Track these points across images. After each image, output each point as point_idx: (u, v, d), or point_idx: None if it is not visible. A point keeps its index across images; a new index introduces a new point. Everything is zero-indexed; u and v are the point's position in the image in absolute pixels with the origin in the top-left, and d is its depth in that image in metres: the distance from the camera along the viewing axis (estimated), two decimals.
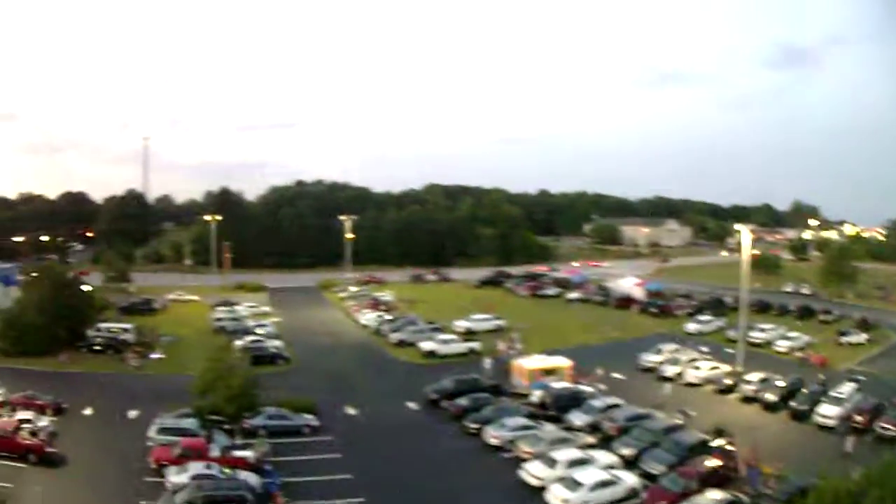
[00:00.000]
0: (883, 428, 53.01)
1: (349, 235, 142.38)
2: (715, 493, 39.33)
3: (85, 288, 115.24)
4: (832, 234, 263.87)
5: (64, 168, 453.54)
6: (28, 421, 52.70)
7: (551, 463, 43.45)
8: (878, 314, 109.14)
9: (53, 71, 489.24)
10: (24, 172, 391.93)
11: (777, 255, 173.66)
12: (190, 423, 52.27)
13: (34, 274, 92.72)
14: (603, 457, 45.75)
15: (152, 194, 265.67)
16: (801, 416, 57.58)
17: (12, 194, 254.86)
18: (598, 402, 55.63)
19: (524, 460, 45.83)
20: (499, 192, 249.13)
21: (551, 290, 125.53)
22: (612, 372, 69.02)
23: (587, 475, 41.08)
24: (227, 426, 53.24)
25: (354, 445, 50.89)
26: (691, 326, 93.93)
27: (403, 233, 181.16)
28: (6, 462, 46.94)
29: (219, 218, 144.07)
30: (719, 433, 49.50)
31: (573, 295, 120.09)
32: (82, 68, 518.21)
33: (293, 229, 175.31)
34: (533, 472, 43.46)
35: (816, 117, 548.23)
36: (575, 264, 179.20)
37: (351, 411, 58.95)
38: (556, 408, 55.54)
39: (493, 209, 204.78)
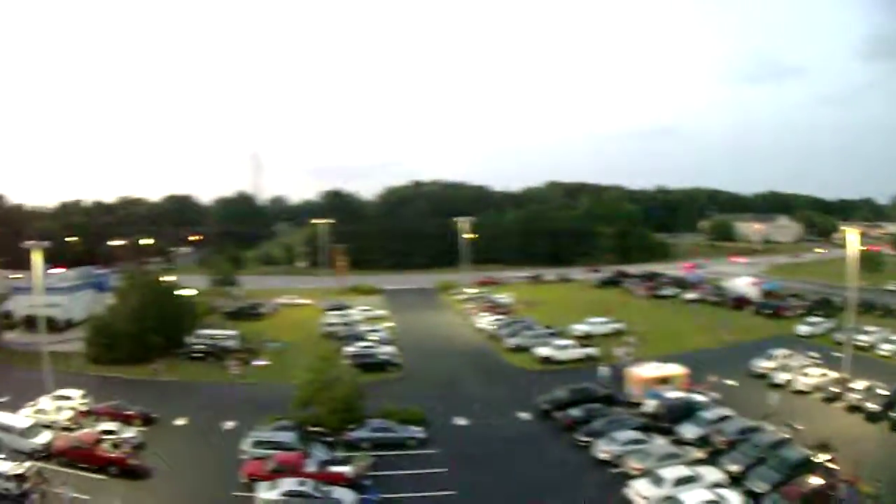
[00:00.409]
0: None
1: (467, 236, 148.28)
2: None
3: (187, 293, 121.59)
4: None
5: (168, 170, 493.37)
6: (111, 432, 54.89)
7: (658, 481, 44.93)
8: None
9: (162, 70, 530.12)
10: (123, 175, 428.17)
11: (879, 250, 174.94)
12: (287, 436, 52.88)
13: (128, 280, 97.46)
14: (710, 474, 47.11)
15: (265, 196, 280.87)
16: None
17: (111, 198, 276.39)
18: (709, 414, 57.61)
19: (632, 477, 47.21)
20: (617, 190, 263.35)
21: (669, 291, 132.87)
22: (725, 378, 70.88)
23: (692, 496, 42.39)
24: (328, 439, 54.04)
25: (461, 459, 52.12)
26: (802, 329, 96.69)
27: (523, 232, 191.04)
28: (86, 474, 48.94)
29: (331, 220, 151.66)
30: (823, 448, 50.29)
31: (690, 295, 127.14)
32: (199, 67, 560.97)
33: (410, 230, 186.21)
34: (640, 490, 44.86)
35: None
36: (692, 262, 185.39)
37: (460, 422, 60.58)
38: (668, 419, 57.44)
39: (612, 207, 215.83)
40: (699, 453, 51.49)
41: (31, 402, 62.00)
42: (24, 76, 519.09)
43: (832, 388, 66.54)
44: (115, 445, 51.86)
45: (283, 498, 41.43)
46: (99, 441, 51.92)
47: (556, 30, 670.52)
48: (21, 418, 56.80)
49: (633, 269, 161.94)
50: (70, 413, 60.46)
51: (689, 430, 55.29)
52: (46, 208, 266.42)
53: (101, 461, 49.69)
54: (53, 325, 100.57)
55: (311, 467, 46.67)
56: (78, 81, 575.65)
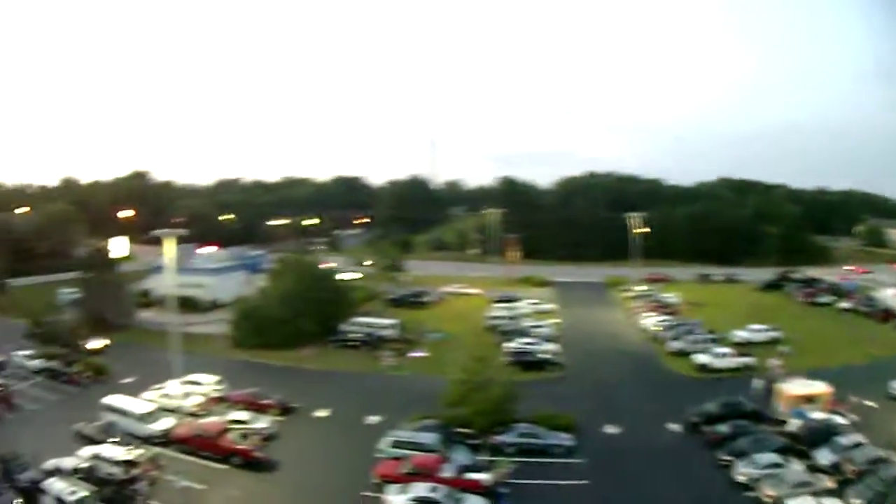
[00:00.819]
0: None
1: (638, 230, 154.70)
2: None
3: (350, 277, 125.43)
4: None
5: (337, 151, 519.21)
6: (241, 421, 57.37)
7: None
8: None
9: (339, 51, 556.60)
10: (288, 155, 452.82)
11: None
12: (429, 437, 53.35)
13: (283, 263, 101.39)
14: None
15: (441, 180, 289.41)
16: None
17: (275, 177, 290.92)
18: (845, 439, 57.38)
19: None
20: (781, 189, 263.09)
21: (825, 298, 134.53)
22: (865, 399, 69.38)
23: None
24: (472, 441, 54.58)
25: (605, 471, 53.02)
26: None
27: (693, 230, 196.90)
28: (208, 464, 51.50)
29: (504, 207, 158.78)
30: None
31: (844, 304, 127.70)
32: (379, 48, 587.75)
33: (584, 221, 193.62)
34: None
35: None
36: (862, 267, 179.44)
37: (611, 430, 61.59)
38: (808, 442, 57.91)
39: (778, 207, 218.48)
40: (830, 483, 51.51)
41: (159, 386, 66.06)
42: (189, 51, 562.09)
43: None
44: (243, 436, 53.94)
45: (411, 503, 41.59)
46: (224, 431, 54.20)
47: (725, 24, 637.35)
48: (140, 402, 60.62)
49: (796, 272, 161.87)
50: (199, 399, 63.90)
51: (824, 456, 55.46)
52: (199, 186, 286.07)
53: (224, 451, 51.86)
54: (196, 306, 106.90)
55: (447, 472, 47.04)
56: (250, 60, 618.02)
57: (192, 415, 61.07)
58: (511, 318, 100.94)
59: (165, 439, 55.31)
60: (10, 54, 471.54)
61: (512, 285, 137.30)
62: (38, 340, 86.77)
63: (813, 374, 71.69)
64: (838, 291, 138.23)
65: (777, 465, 52.18)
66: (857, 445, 56.19)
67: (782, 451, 55.23)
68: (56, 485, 45.02)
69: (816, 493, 48.74)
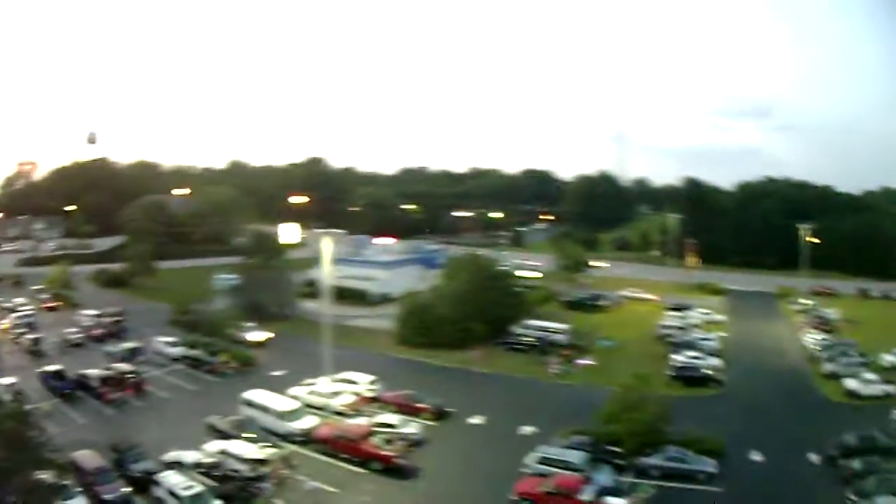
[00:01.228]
0: None
1: (809, 239, 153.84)
2: None
3: (529, 275, 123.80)
4: None
5: (525, 142, 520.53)
6: (389, 425, 56.30)
7: None
8: None
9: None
10: (477, 146, 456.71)
11: None
12: (576, 455, 51.16)
13: (457, 261, 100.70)
14: None
15: (629, 176, 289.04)
16: None
17: (462, 168, 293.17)
18: None
19: None
20: None
21: None
22: None
23: None
24: (619, 461, 52.73)
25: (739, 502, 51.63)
26: None
27: (857, 242, 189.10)
28: (347, 466, 51.15)
29: (684, 209, 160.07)
30: None
31: None
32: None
33: (760, 228, 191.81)
34: None
35: None
36: None
37: (755, 457, 59.37)
38: None
39: None
40: None
41: (309, 381, 66.34)
42: (377, 40, 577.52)
43: None
44: (388, 440, 53.01)
45: None
46: (368, 434, 53.48)
47: None
48: (283, 399, 60.77)
49: None
50: (350, 398, 63.51)
51: None
52: (382, 175, 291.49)
53: (364, 455, 51.14)
54: (366, 299, 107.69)
55: (587, 494, 45.26)
56: (438, 48, 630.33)
57: (340, 414, 60.85)
58: (681, 328, 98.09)
59: (306, 438, 55.12)
60: (183, 36, 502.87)
61: (687, 292, 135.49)
62: (182, 327, 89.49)
63: None
64: None
65: None
66: None
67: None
68: (171, 478, 45.28)
69: None
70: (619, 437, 54.52)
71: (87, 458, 48.71)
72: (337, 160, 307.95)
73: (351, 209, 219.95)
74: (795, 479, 55.64)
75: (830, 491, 53.49)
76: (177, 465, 48.27)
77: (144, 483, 46.50)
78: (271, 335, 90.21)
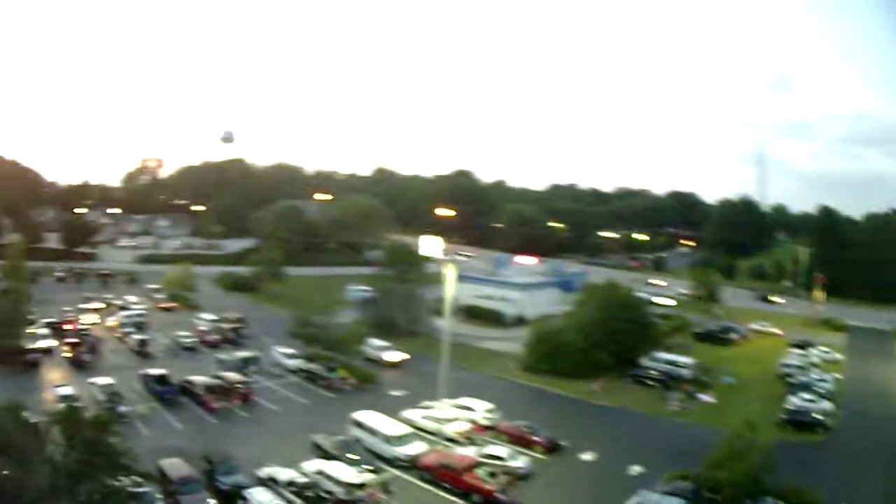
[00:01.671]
0: None
1: None
2: None
3: (664, 303, 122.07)
4: None
5: (672, 164, 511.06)
6: (497, 457, 56.38)
7: None
8: None
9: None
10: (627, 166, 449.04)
11: None
12: (675, 502, 50.20)
13: (591, 287, 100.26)
14: None
15: (768, 202, 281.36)
16: None
17: (610, 187, 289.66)
18: None
19: None
20: None
21: None
22: None
23: None
24: None
25: None
26: None
27: None
28: (447, 496, 51.74)
29: (818, 240, 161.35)
30: None
31: None
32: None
33: (888, 261, 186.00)
34: None
35: None
36: None
37: None
38: None
39: None
40: None
41: (426, 405, 67.42)
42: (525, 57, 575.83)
43: None
44: (492, 473, 52.89)
45: None
46: (473, 465, 53.69)
47: None
48: (394, 424, 61.19)
49: None
50: (464, 425, 63.99)
51: None
52: (532, 191, 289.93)
53: (466, 486, 51.39)
54: (501, 320, 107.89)
55: None
56: (588, 69, 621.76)
57: (452, 441, 61.56)
58: (801, 366, 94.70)
59: (410, 465, 55.55)
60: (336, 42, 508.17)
61: (812, 327, 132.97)
62: (303, 339, 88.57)
63: None
64: None
65: None
66: None
67: None
68: (260, 494, 46.10)
69: None
70: (721, 484, 53.01)
71: (175, 466, 48.90)
72: (487, 174, 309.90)
73: (496, 225, 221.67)
74: None
75: None
76: (269, 482, 49.13)
77: (232, 497, 47.00)
78: (407, 356, 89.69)
